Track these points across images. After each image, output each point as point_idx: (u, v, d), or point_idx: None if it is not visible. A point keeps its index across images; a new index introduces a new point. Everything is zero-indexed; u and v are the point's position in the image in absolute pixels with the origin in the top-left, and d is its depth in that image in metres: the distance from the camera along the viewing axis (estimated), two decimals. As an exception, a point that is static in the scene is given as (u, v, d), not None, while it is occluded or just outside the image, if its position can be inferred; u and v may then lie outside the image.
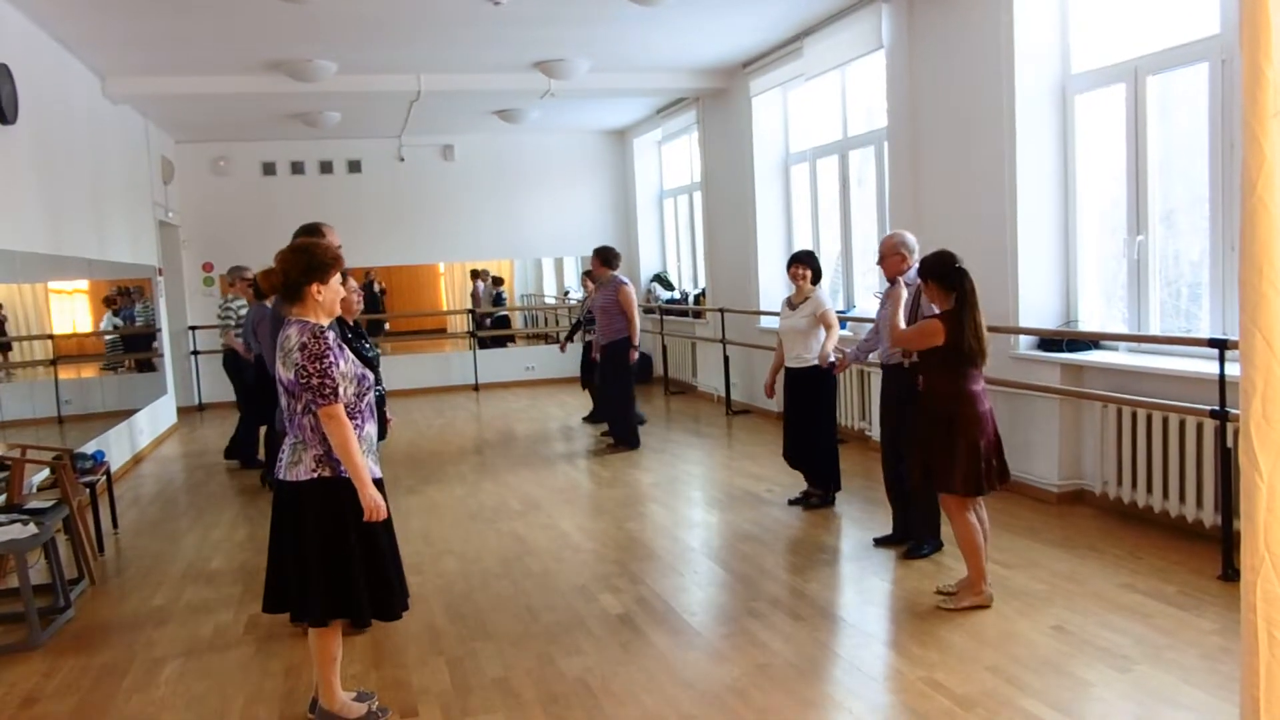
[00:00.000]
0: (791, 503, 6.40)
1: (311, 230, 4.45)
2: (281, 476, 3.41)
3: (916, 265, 4.79)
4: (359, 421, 3.39)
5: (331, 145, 13.07)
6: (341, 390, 3.27)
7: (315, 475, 3.34)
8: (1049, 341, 6.16)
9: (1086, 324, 6.25)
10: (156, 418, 10.32)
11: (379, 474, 3.50)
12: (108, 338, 8.95)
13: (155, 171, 11.17)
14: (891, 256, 5.24)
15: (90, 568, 5.46)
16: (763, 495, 6.72)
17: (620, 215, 14.34)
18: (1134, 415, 5.47)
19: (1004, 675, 3.66)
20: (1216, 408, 4.64)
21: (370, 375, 3.49)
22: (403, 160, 13.46)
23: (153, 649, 4.45)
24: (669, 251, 13.88)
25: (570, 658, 4.06)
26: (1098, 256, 6.30)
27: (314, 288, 3.34)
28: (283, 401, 3.40)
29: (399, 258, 13.77)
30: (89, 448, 6.88)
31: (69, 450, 6.06)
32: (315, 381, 3.22)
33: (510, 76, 9.73)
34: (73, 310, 8.02)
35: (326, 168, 13.24)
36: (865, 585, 4.90)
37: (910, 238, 5.28)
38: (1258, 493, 2.06)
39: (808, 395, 6.17)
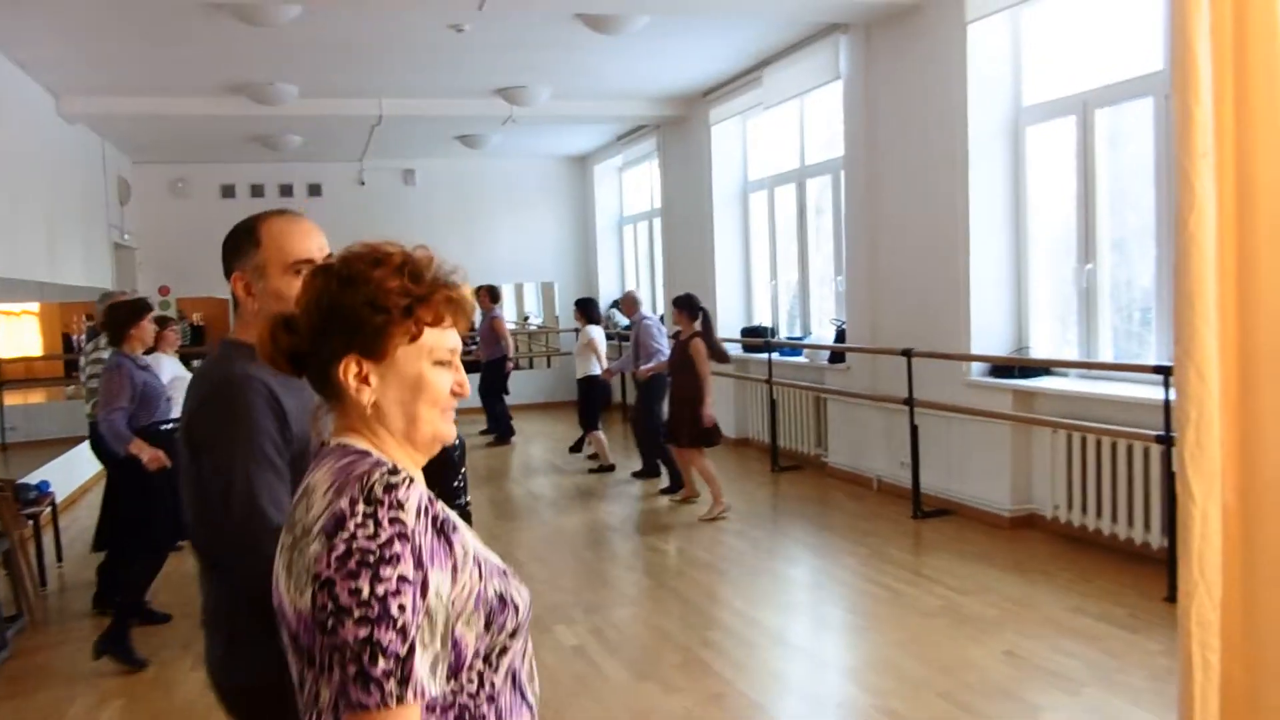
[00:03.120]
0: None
1: (247, 230, 2.03)
2: None
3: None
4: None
5: (292, 168, 13.00)
6: (425, 668, 1.17)
7: None
8: (1001, 368, 6.26)
9: (1038, 351, 6.37)
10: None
11: None
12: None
13: (111, 192, 11.03)
14: (631, 303, 8.63)
15: (30, 605, 5.28)
16: (718, 523, 6.73)
17: (580, 241, 14.38)
18: (1083, 440, 5.56)
19: (957, 701, 3.69)
20: (1162, 433, 4.74)
21: (524, 601, 1.37)
22: (364, 184, 13.42)
23: (93, 691, 4.31)
24: (629, 277, 13.93)
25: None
26: (1049, 284, 6.43)
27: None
28: (292, 666, 1.27)
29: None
30: (33, 477, 6.75)
31: (11, 480, 5.89)
32: (357, 638, 1.14)
33: (472, 102, 9.76)
34: (20, 333, 7.89)
35: (286, 191, 13.16)
36: (820, 612, 4.93)
37: (638, 293, 8.88)
38: (1192, 520, 2.11)
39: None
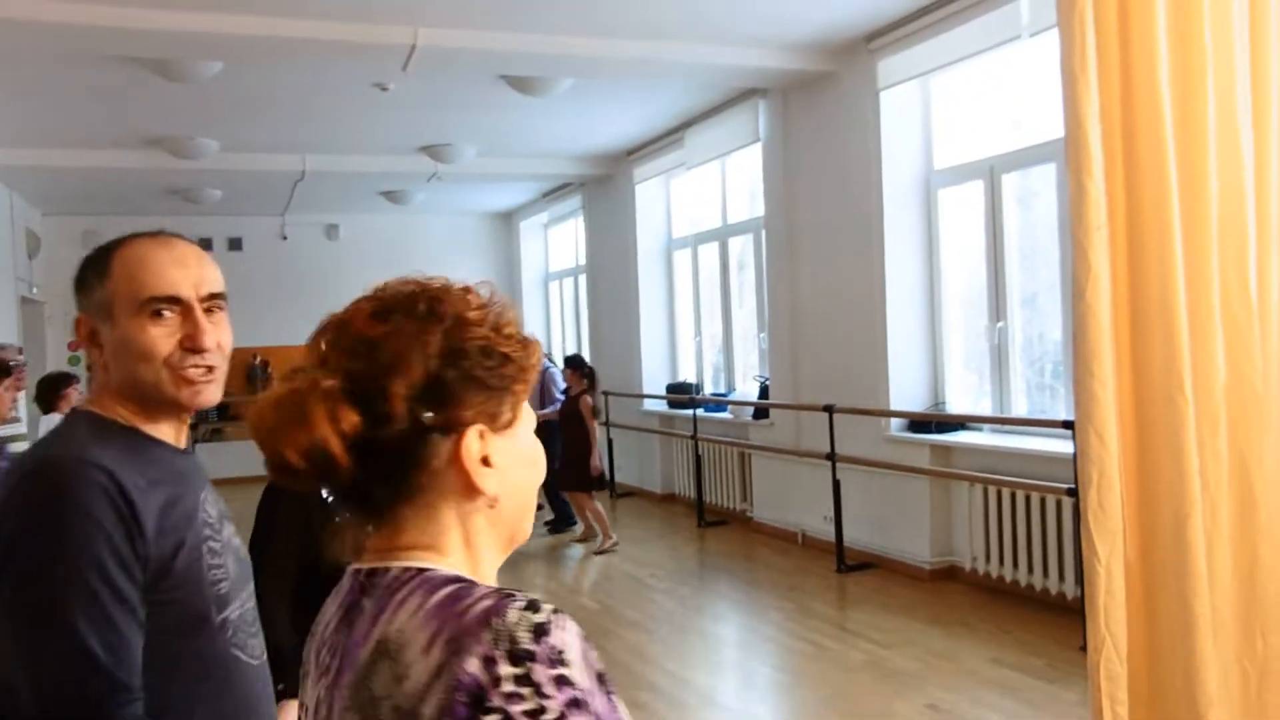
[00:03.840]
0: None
1: (95, 257, 1.55)
2: None
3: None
4: None
5: (211, 222, 12.79)
6: None
7: None
8: (919, 423, 6.41)
9: (954, 406, 6.54)
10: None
11: None
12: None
13: (19, 245, 10.73)
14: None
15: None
16: (646, 580, 6.73)
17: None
18: (999, 493, 5.71)
19: (880, 756, 3.73)
20: (1073, 486, 4.90)
21: None
22: (286, 239, 13.27)
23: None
24: (554, 334, 13.96)
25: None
26: (963, 341, 6.63)
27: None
28: None
29: (282, 338, 13.44)
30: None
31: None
32: None
33: (397, 159, 9.76)
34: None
35: (205, 244, 12.65)
36: (747, 670, 4.94)
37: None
38: (1097, 577, 2.20)
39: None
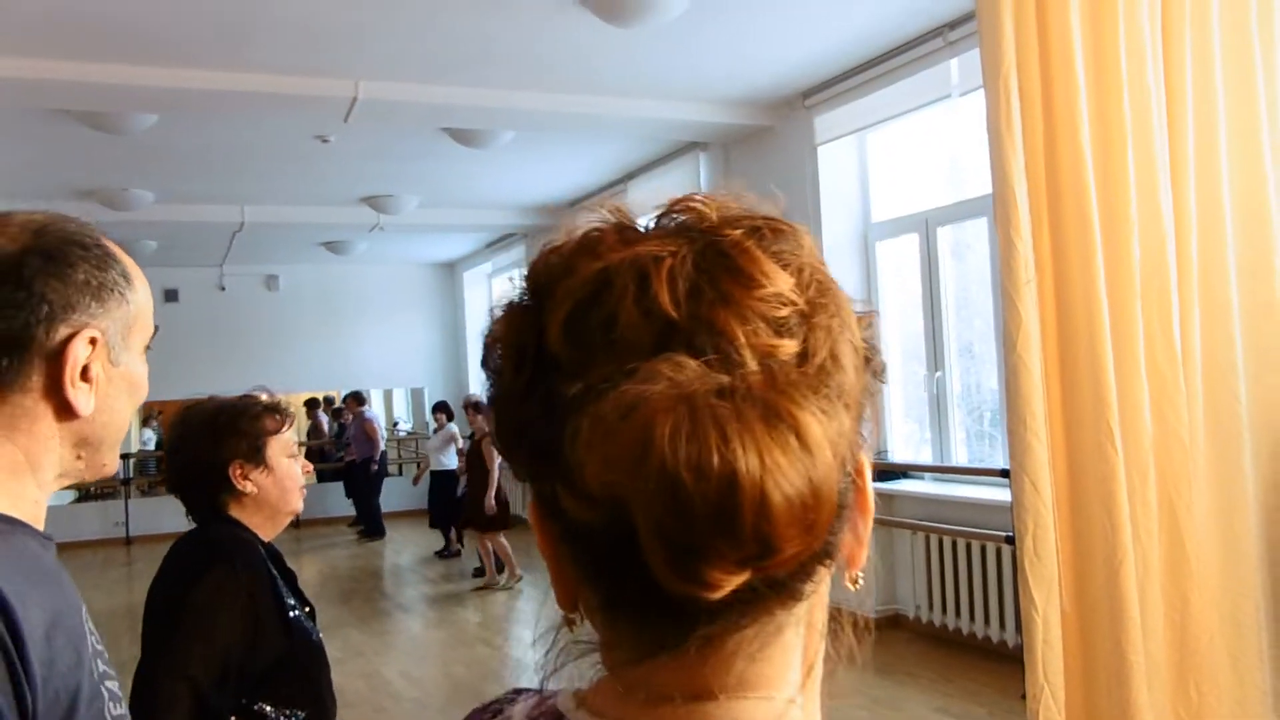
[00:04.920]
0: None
1: (111, 256, 1.19)
2: None
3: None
4: None
5: (147, 273, 11.87)
6: None
7: None
8: (861, 472, 6.45)
9: (895, 455, 6.61)
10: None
11: None
12: None
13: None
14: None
15: None
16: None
17: (451, 346, 14.29)
18: (940, 541, 5.76)
19: (826, 810, 3.69)
20: (1011, 534, 4.95)
21: None
22: (224, 290, 13.07)
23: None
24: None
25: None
26: (903, 391, 6.72)
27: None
28: None
29: (218, 389, 13.16)
30: None
31: None
32: None
33: (338, 210, 9.71)
34: None
35: (140, 296, 12.68)
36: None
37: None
38: (1035, 626, 2.22)
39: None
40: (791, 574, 0.55)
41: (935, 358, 6.22)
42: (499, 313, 0.66)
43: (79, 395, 1.02)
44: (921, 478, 6.29)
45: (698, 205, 0.62)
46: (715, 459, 0.48)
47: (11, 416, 0.99)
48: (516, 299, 0.65)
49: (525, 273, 0.65)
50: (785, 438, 0.50)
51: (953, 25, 5.30)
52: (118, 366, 1.08)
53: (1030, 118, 2.25)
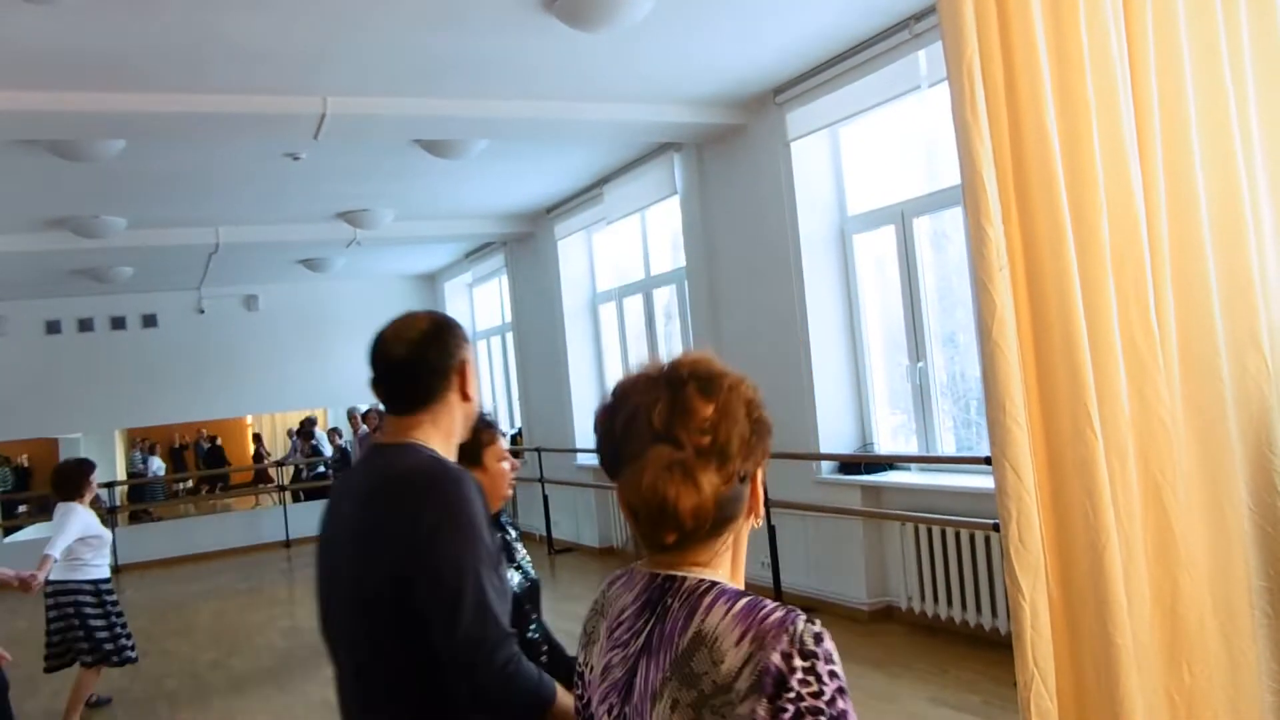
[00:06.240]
0: None
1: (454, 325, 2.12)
2: None
3: None
4: None
5: (124, 299, 12.47)
6: None
7: None
8: (849, 465, 6.46)
9: (882, 446, 6.61)
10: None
11: None
12: None
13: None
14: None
15: None
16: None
17: (434, 358, 14.23)
18: (929, 531, 5.77)
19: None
20: (998, 521, 4.95)
21: None
22: (203, 312, 12.98)
23: None
24: (485, 391, 13.85)
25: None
26: (886, 382, 6.72)
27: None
28: None
29: (202, 413, 13.13)
30: None
31: None
32: None
33: (314, 227, 9.65)
34: None
35: (119, 323, 12.58)
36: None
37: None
38: (1022, 613, 2.21)
39: None
40: (708, 531, 1.28)
41: (917, 348, 6.23)
42: (611, 400, 1.37)
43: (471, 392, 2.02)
44: (908, 469, 6.30)
45: (679, 369, 1.34)
46: (666, 493, 1.25)
47: (446, 405, 1.97)
48: (610, 401, 1.37)
49: (618, 384, 1.37)
50: (691, 484, 1.25)
51: (918, 18, 5.31)
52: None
53: (995, 105, 2.25)
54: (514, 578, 2.59)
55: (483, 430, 2.42)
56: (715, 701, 1.17)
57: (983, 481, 5.40)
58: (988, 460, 4.92)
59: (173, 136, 6.31)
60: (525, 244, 10.96)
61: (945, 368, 6.25)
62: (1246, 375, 2.55)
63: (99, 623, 5.68)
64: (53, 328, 12.33)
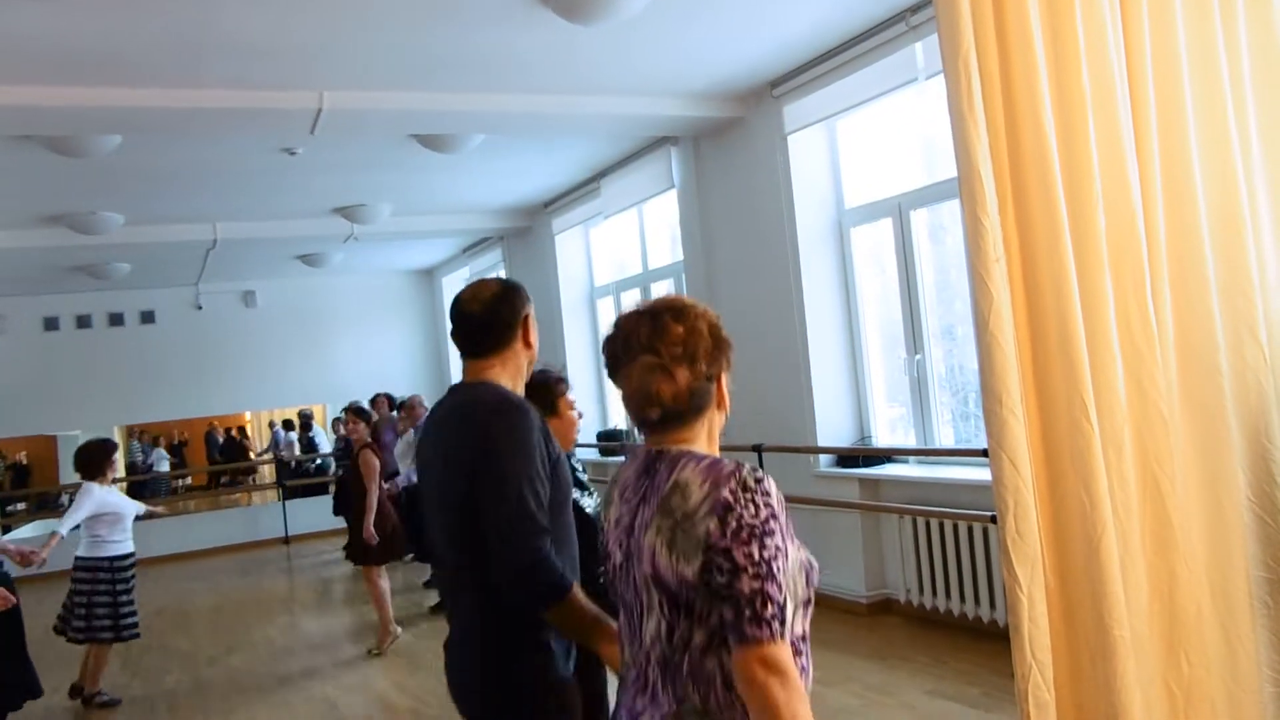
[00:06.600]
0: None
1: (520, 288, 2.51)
2: None
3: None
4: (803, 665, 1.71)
5: (121, 296, 12.45)
6: (789, 614, 1.64)
7: None
8: (846, 458, 6.46)
9: (879, 440, 6.61)
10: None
11: None
12: None
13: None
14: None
15: None
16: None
17: (433, 353, 14.24)
18: (927, 524, 5.77)
19: (826, 799, 3.69)
20: (995, 513, 4.96)
21: (817, 565, 1.79)
22: (200, 308, 12.96)
23: None
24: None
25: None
26: (884, 375, 6.72)
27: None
28: (625, 625, 1.80)
29: (200, 409, 13.12)
30: None
31: None
32: (751, 589, 1.57)
33: (311, 222, 9.64)
34: None
35: (116, 320, 12.57)
36: (690, 718, 4.88)
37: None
38: (1020, 604, 2.21)
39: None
40: (684, 411, 1.76)
41: (915, 341, 6.23)
42: (611, 330, 1.82)
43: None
44: (906, 461, 6.30)
45: (657, 305, 1.81)
46: (650, 385, 1.74)
47: (513, 351, 2.39)
48: (611, 331, 1.81)
49: (615, 318, 1.83)
50: (669, 377, 1.74)
51: (914, 10, 5.31)
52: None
53: (991, 97, 2.25)
54: (588, 503, 3.08)
55: (557, 382, 3.02)
56: (685, 525, 1.62)
57: (981, 474, 5.40)
58: (985, 453, 4.94)
59: (170, 132, 6.29)
60: (522, 238, 10.95)
61: (943, 360, 6.25)
62: (1245, 367, 2.55)
63: (103, 599, 5.91)
64: (50, 324, 12.31)
